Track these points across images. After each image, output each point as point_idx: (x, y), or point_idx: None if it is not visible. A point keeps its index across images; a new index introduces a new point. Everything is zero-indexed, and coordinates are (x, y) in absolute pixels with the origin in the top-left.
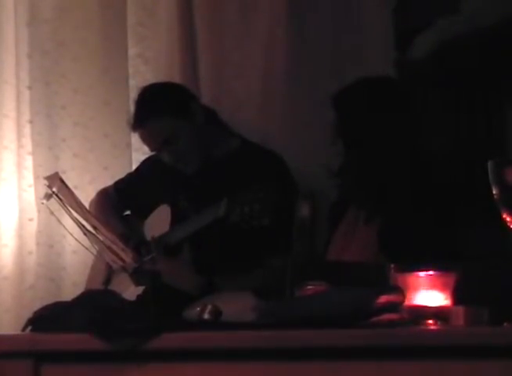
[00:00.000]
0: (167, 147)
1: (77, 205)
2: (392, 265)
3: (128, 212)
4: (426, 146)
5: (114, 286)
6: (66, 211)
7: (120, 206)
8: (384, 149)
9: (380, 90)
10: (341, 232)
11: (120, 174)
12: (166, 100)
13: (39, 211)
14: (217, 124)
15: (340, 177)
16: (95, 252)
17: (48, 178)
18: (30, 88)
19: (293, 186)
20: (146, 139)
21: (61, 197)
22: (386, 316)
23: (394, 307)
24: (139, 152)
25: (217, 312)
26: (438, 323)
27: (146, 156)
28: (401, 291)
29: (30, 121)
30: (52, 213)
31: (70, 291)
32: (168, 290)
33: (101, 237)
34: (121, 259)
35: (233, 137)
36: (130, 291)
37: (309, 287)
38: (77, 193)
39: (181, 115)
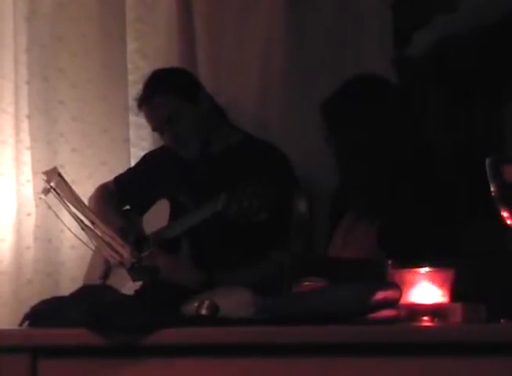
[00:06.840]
0: (169, 127)
1: (75, 200)
2: (390, 262)
3: (127, 207)
4: (428, 144)
5: (112, 281)
6: (64, 206)
7: (120, 201)
8: (388, 148)
9: (375, 89)
10: (342, 228)
11: (118, 169)
12: (173, 81)
13: (37, 206)
14: (222, 119)
15: (344, 179)
16: (93, 247)
17: (46, 173)
18: (28, 83)
19: (294, 182)
20: (149, 116)
21: (59, 191)
22: (383, 313)
23: (391, 303)
24: (137, 147)
25: (214, 308)
26: (436, 319)
27: (145, 151)
28: (398, 288)
29: (29, 116)
30: (50, 208)
31: (68, 285)
32: (166, 285)
33: (99, 232)
34: (119, 254)
35: (237, 132)
36: (128, 287)
37: (307, 283)
38: (74, 188)
39: (186, 98)
